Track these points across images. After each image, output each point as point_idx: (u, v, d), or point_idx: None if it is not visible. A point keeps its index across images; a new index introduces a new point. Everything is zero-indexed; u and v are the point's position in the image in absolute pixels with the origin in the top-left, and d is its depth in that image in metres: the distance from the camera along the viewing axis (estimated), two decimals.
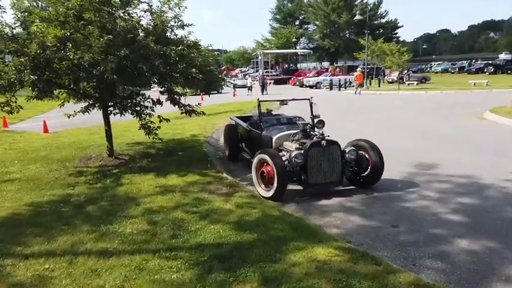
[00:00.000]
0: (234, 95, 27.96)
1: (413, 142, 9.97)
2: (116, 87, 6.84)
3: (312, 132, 6.76)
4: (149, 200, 5.62)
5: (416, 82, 35.46)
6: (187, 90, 15.91)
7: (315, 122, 7.05)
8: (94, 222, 4.78)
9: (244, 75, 43.11)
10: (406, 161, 7.71)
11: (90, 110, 8.21)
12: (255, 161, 6.25)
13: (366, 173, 6.29)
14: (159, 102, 8.41)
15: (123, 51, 6.74)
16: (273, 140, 6.98)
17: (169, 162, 8.14)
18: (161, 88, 8.54)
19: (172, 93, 8.31)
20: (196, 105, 8.48)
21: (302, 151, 5.96)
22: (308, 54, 58.22)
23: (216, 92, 33.61)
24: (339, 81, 33.32)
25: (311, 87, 36.62)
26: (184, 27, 7.84)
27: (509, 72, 46.73)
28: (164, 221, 4.74)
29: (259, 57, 46.56)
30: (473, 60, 64.10)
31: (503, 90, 24.40)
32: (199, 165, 7.86)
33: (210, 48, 8.77)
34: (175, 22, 7.71)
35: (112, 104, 8.07)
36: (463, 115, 14.54)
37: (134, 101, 8.14)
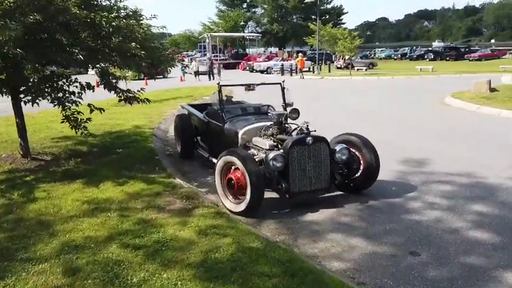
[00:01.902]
0: (181, 79, 25.85)
1: (390, 132, 8.98)
2: (23, 65, 4.97)
3: (286, 125, 5.39)
4: (71, 227, 3.94)
5: (365, 68, 35.51)
6: (128, 74, 13.99)
7: (288, 111, 5.76)
8: None
9: (191, 59, 40.66)
10: (392, 155, 6.61)
11: None
12: (219, 164, 4.77)
13: (356, 175, 5.06)
14: (89, 87, 6.57)
15: (31, 17, 4.88)
16: (239, 135, 5.52)
17: (105, 163, 6.39)
18: (92, 69, 6.70)
19: (106, 75, 6.50)
20: (138, 90, 6.74)
21: (281, 151, 4.57)
22: (257, 39, 56.73)
23: (161, 76, 31.33)
24: (291, 66, 32.28)
25: (262, 72, 35.37)
26: None
27: (447, 58, 48.64)
28: (90, 267, 3.12)
29: (207, 41, 44.27)
30: (414, 47, 66.38)
31: (451, 76, 24.75)
32: (145, 166, 6.21)
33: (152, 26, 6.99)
34: None
35: (24, 88, 6.09)
36: (426, 101, 13.96)
37: (55, 85, 6.25)
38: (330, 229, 4.16)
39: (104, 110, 6.35)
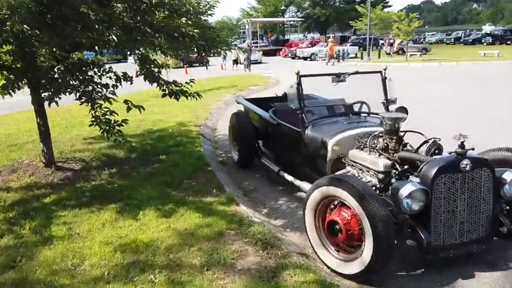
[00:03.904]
0: (222, 68, 24.36)
1: None
2: (37, 50, 3.55)
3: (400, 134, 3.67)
4: None
5: (418, 53, 32.56)
6: (170, 61, 12.51)
7: (394, 110, 4.11)
8: None
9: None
10: None
11: (12, 92, 4.81)
12: (314, 197, 3.15)
13: None
14: (126, 78, 5.13)
15: None
16: (329, 146, 3.89)
17: (146, 176, 4.97)
18: (129, 54, 5.27)
19: (147, 62, 5.02)
20: (187, 82, 5.21)
21: (418, 182, 2.88)
22: (298, 24, 54.32)
23: (199, 63, 30.08)
24: (338, 52, 29.98)
25: (305, 58, 33.39)
26: None
27: (508, 42, 44.37)
28: None
29: (247, 27, 42.57)
30: (468, 30, 61.53)
31: None
32: (195, 183, 4.74)
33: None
34: None
35: (45, 81, 4.71)
36: None
37: (84, 76, 4.85)
38: None
39: (144, 108, 4.89)
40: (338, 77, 4.40)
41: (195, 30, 4.11)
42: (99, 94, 4.89)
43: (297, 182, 4.36)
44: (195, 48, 4.56)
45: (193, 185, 4.67)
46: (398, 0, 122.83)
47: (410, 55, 31.25)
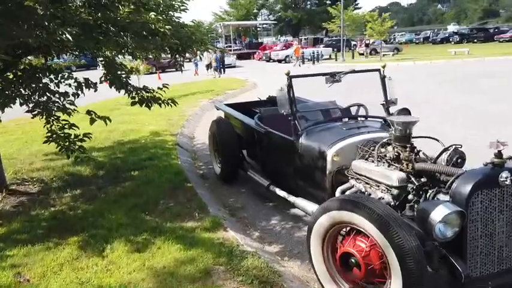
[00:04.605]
0: (196, 72, 23.57)
1: None
2: None
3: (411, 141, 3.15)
4: None
5: (391, 53, 32.89)
6: (141, 66, 11.70)
7: (396, 113, 3.65)
8: None
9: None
10: None
11: None
12: (321, 222, 2.58)
13: None
14: (89, 85, 4.43)
15: None
16: (328, 157, 3.34)
17: (116, 198, 4.29)
18: (91, 57, 4.59)
19: (113, 67, 4.34)
20: (160, 88, 4.56)
21: (451, 202, 2.36)
22: (271, 27, 54.18)
23: (173, 69, 29.20)
24: (313, 53, 29.79)
25: (279, 61, 33.24)
26: None
27: (475, 40, 45.57)
28: None
29: (220, 30, 41.98)
30: (436, 30, 63.20)
31: (496, 59, 22.06)
32: (174, 203, 4.11)
33: None
34: None
35: None
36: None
37: (37, 84, 4.12)
38: None
39: (110, 120, 4.20)
40: (333, 77, 3.86)
41: (166, 27, 3.49)
42: (56, 105, 4.18)
43: (291, 198, 3.80)
44: (168, 49, 3.92)
45: (172, 207, 4.03)
46: (366, 2, 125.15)
47: (384, 55, 31.48)
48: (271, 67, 28.18)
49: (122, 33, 3.78)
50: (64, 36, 3.31)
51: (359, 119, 3.92)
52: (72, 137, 4.01)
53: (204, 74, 22.21)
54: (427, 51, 35.86)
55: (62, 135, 3.97)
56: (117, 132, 7.54)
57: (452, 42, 46.72)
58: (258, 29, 54.14)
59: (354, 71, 3.96)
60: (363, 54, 34.62)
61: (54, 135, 3.93)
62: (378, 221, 2.22)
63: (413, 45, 53.63)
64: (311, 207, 3.50)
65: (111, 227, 3.54)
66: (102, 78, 4.45)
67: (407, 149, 2.95)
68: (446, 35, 52.29)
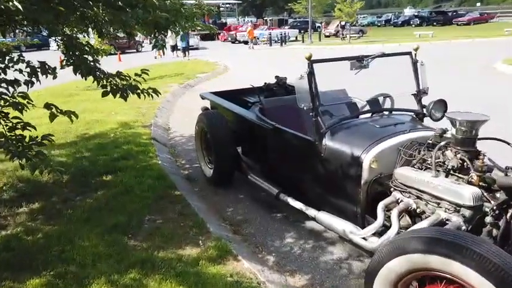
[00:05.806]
0: (160, 54, 22.00)
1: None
2: None
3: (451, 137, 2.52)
4: None
5: (357, 35, 32.75)
6: (102, 45, 10.35)
7: (431, 106, 3.06)
8: None
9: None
10: None
11: None
12: (391, 267, 1.88)
13: None
14: (46, 71, 3.44)
15: None
16: (364, 164, 2.65)
17: (85, 216, 3.39)
18: (48, 36, 3.60)
19: (75, 47, 3.38)
20: (138, 74, 3.65)
21: None
22: (234, 7, 52.60)
23: (134, 50, 27.46)
24: (280, 35, 28.96)
25: (246, 42, 32.12)
26: None
27: (434, 24, 46.60)
28: None
29: None
30: (397, 13, 64.18)
31: (463, 41, 22.36)
32: (163, 220, 3.29)
33: None
34: None
35: None
36: (473, 70, 11.26)
37: None
38: None
39: (76, 116, 3.29)
40: (360, 62, 3.15)
41: None
42: (4, 97, 3.18)
43: (311, 212, 3.09)
44: (153, 24, 3.01)
45: (161, 226, 3.21)
46: None
47: (350, 37, 31.28)
48: (238, 48, 27.21)
49: (90, 3, 2.83)
50: (11, 3, 2.35)
51: (403, 112, 3.26)
52: (27, 139, 3.05)
53: (169, 56, 20.85)
54: (392, 33, 36.04)
55: (12, 138, 3.00)
56: (80, 124, 6.46)
57: (413, 25, 47.58)
58: (221, 9, 52.38)
59: (384, 55, 3.26)
60: (328, 36, 34.26)
61: (2, 139, 2.95)
62: (495, 274, 1.56)
63: (375, 27, 54.15)
64: (340, 225, 2.82)
65: (84, 260, 2.69)
66: (63, 63, 3.49)
67: (472, 155, 2.35)
68: (407, 18, 53.15)
